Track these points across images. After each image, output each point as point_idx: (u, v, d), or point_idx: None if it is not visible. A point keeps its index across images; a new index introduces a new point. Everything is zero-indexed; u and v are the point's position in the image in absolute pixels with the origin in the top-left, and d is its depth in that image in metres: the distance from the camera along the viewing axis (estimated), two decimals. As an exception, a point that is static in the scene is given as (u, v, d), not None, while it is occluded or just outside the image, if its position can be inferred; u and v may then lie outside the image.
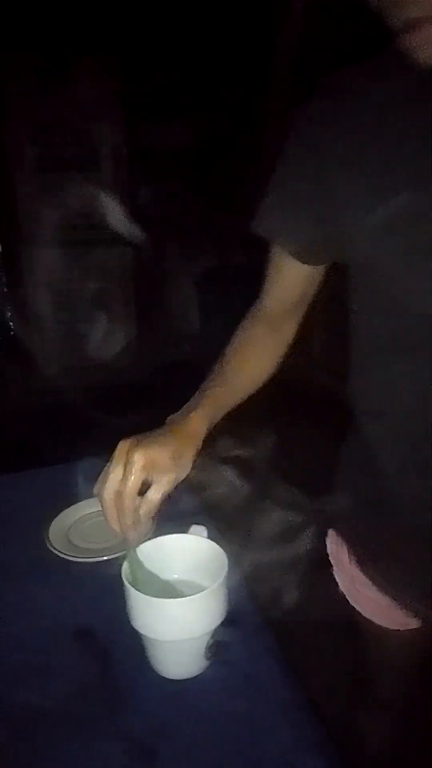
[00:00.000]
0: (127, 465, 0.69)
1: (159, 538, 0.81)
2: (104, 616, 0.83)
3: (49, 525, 1.03)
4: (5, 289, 3.47)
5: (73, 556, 0.95)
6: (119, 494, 0.69)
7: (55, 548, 0.97)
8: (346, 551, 0.94)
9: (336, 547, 0.97)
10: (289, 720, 0.69)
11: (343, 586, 0.97)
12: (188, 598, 0.70)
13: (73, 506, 1.08)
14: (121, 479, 0.69)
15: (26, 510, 1.09)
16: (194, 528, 0.83)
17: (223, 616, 0.73)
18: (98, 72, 3.16)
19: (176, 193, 3.48)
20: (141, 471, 0.69)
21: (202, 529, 0.83)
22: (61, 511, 1.06)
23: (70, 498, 1.09)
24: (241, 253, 3.80)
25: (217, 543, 0.79)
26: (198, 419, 0.78)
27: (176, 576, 0.82)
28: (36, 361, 3.65)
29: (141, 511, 0.71)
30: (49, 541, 0.99)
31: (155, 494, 0.71)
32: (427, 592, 0.83)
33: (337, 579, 0.98)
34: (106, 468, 0.71)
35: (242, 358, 0.87)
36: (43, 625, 0.83)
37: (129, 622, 0.73)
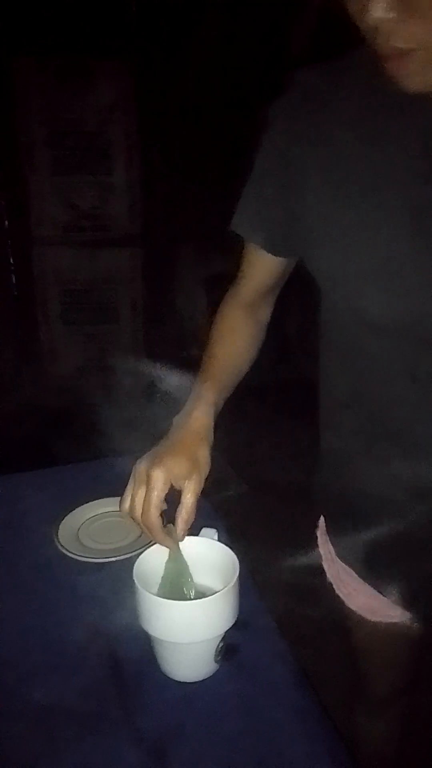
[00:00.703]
0: (148, 483, 0.72)
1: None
2: (114, 616, 0.83)
3: (59, 524, 1.03)
4: (15, 292, 3.48)
5: (83, 556, 0.95)
6: (146, 511, 0.72)
7: (64, 547, 0.97)
8: (332, 548, 0.96)
9: (324, 537, 0.98)
10: (300, 725, 0.69)
11: (330, 576, 0.99)
12: (199, 600, 0.70)
13: (82, 506, 1.08)
14: (145, 498, 0.72)
15: (37, 509, 1.09)
16: (205, 531, 0.83)
17: (234, 619, 0.73)
18: (112, 75, 3.17)
19: (187, 195, 3.48)
20: (163, 487, 0.72)
21: (212, 532, 0.83)
22: (70, 511, 1.07)
23: (79, 498, 1.09)
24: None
25: (228, 546, 0.79)
26: (202, 415, 0.79)
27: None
28: (46, 361, 3.66)
29: (182, 517, 0.73)
30: (59, 540, 0.99)
31: (188, 498, 0.73)
32: (403, 581, 0.85)
33: (325, 568, 1.00)
34: (127, 488, 0.75)
35: (229, 344, 0.91)
36: (55, 624, 0.84)
37: (138, 623, 0.73)
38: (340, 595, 0.97)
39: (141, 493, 0.73)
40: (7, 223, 3.32)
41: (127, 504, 0.75)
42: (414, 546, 0.80)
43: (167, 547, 0.76)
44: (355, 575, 0.92)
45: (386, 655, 1.02)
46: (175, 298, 3.76)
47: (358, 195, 0.67)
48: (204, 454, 0.76)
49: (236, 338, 0.91)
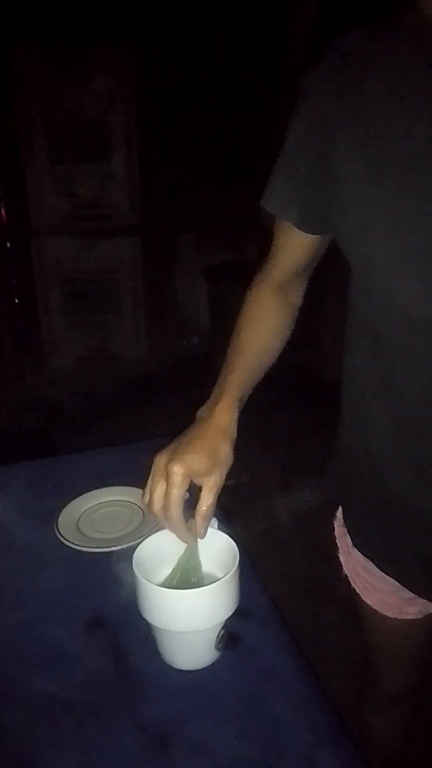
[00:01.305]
0: (168, 479, 0.71)
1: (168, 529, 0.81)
2: (114, 606, 0.83)
3: (59, 514, 1.03)
4: (14, 281, 3.47)
5: (83, 546, 0.95)
6: (166, 507, 0.71)
7: (64, 537, 0.97)
8: (347, 532, 0.94)
9: (341, 529, 0.97)
10: (302, 713, 0.69)
11: (346, 569, 0.98)
12: (199, 589, 0.69)
13: (83, 496, 1.07)
14: (165, 493, 0.71)
15: (37, 499, 1.09)
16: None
17: (235, 608, 0.72)
18: (111, 63, 3.14)
19: (188, 184, 3.46)
20: (182, 483, 0.71)
21: (213, 520, 0.82)
22: (71, 500, 1.06)
23: (80, 488, 1.09)
24: (252, 246, 3.78)
25: (228, 534, 0.78)
26: (225, 410, 0.77)
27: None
28: (47, 351, 3.65)
29: (201, 514, 0.72)
30: (58, 530, 0.99)
31: (208, 496, 0.72)
32: (422, 573, 0.83)
33: (342, 561, 0.98)
34: (148, 483, 0.74)
35: (258, 334, 0.86)
36: (55, 614, 0.83)
37: (139, 612, 0.73)
38: (356, 589, 0.96)
39: (161, 488, 0.72)
40: (4, 212, 3.30)
41: (147, 498, 0.74)
42: None
43: (186, 542, 0.76)
44: (373, 568, 0.89)
45: (399, 651, 1.01)
46: (175, 287, 3.75)
47: (398, 173, 0.63)
48: (225, 450, 0.74)
49: (265, 327, 0.87)
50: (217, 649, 0.74)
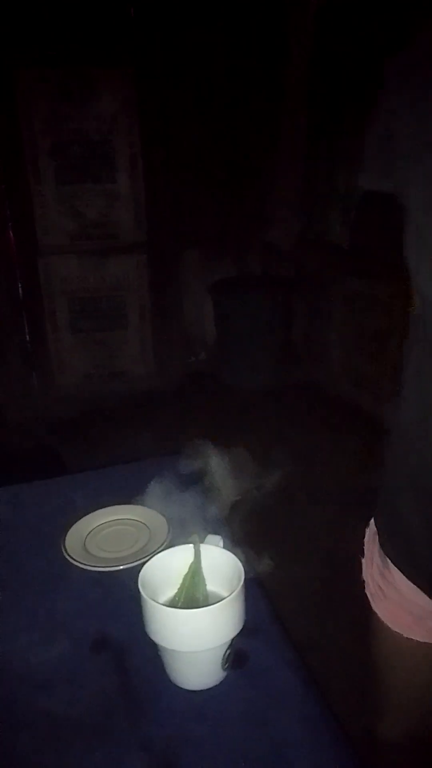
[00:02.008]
0: None
1: (175, 548, 0.81)
2: (121, 625, 0.83)
3: (66, 533, 1.03)
4: (22, 300, 3.50)
5: (89, 565, 0.95)
6: None
7: (71, 557, 0.97)
8: (378, 546, 0.92)
9: (370, 544, 0.95)
10: (311, 734, 0.68)
11: (365, 573, 0.96)
12: (205, 608, 0.69)
13: (90, 515, 1.08)
14: None
15: (45, 518, 1.09)
16: (210, 538, 0.83)
17: (241, 627, 0.72)
18: (113, 84, 3.20)
19: (192, 201, 3.49)
20: None
21: (218, 539, 0.82)
22: (78, 519, 1.07)
23: (87, 507, 1.09)
24: (256, 262, 3.80)
25: (233, 553, 0.78)
26: None
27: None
28: (55, 369, 3.68)
29: None
30: (66, 549, 0.99)
31: None
32: None
33: (363, 564, 0.96)
34: None
35: None
36: (62, 634, 0.83)
37: (145, 631, 0.73)
38: (368, 595, 0.94)
39: None
40: (12, 233, 3.35)
41: None
42: None
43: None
44: (394, 577, 0.88)
45: (401, 677, 0.98)
46: (181, 303, 3.77)
47: None
48: None
49: None
50: (224, 668, 0.73)
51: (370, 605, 0.95)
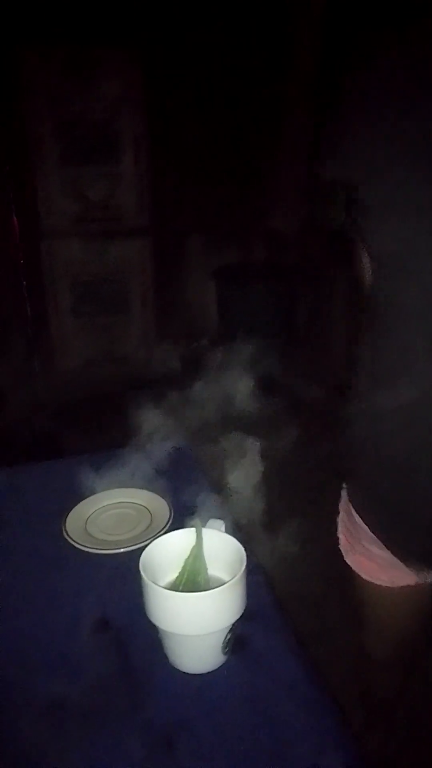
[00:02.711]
0: None
1: (176, 532, 0.80)
2: (121, 608, 0.83)
3: (67, 516, 1.03)
4: (24, 283, 3.48)
5: (90, 547, 0.95)
6: None
7: (72, 539, 0.97)
8: (354, 510, 0.97)
9: (347, 506, 1.00)
10: (310, 717, 0.68)
11: (342, 542, 1.03)
12: (206, 592, 0.69)
13: (91, 497, 1.08)
14: None
15: (46, 501, 1.09)
16: (212, 522, 0.82)
17: (242, 611, 0.72)
18: (119, 65, 3.15)
19: (196, 185, 3.46)
20: None
21: (219, 523, 0.82)
22: (79, 502, 1.06)
23: (88, 489, 1.09)
24: (260, 248, 3.77)
25: (235, 537, 0.78)
26: None
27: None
28: (57, 353, 3.66)
29: None
30: (67, 531, 0.99)
31: None
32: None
33: (340, 535, 1.03)
34: None
35: None
36: (62, 616, 0.83)
37: (146, 614, 0.72)
38: (341, 550, 1.01)
39: None
40: (15, 215, 3.32)
41: None
42: None
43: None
44: (359, 533, 0.95)
45: (402, 620, 1.04)
46: (184, 288, 3.75)
47: None
48: None
49: None
50: (224, 652, 0.73)
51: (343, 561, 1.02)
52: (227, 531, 0.80)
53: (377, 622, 1.08)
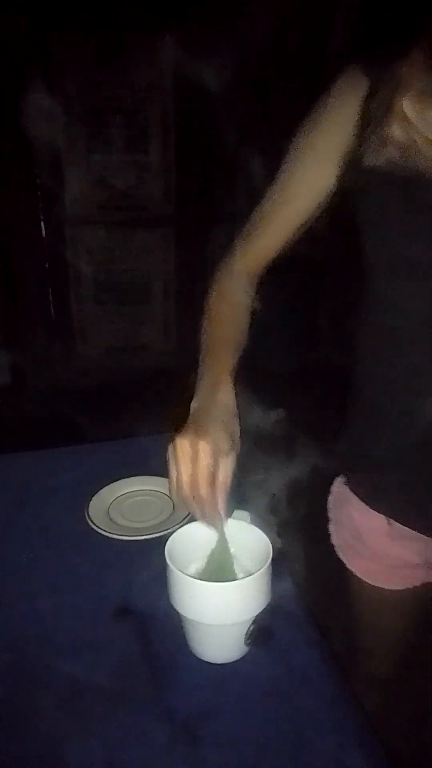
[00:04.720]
0: (197, 457, 0.68)
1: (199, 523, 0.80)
2: (143, 594, 0.83)
3: (90, 501, 1.03)
4: (48, 268, 3.49)
5: (114, 534, 0.95)
6: (198, 487, 0.69)
7: (95, 524, 0.97)
8: (352, 501, 0.95)
9: (340, 497, 0.98)
10: (332, 711, 0.68)
11: (335, 539, 1.00)
12: (231, 582, 0.69)
13: (113, 484, 1.08)
14: (192, 472, 0.68)
15: (68, 486, 1.10)
16: (237, 513, 0.82)
17: (266, 603, 0.72)
18: (149, 51, 3.13)
19: (222, 176, 3.44)
20: (212, 461, 0.68)
21: (245, 515, 0.81)
22: (102, 488, 1.07)
23: (110, 476, 1.09)
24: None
25: (260, 528, 0.77)
26: (228, 394, 0.77)
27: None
28: (78, 340, 3.68)
29: (219, 497, 0.70)
30: (90, 516, 0.99)
31: (225, 476, 0.70)
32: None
33: (331, 531, 1.00)
34: (172, 467, 0.70)
35: (233, 324, 0.90)
36: (85, 600, 0.84)
37: (168, 602, 0.72)
38: (342, 557, 0.98)
39: (187, 470, 0.68)
40: (41, 202, 3.32)
41: (173, 484, 0.70)
42: None
43: (216, 530, 0.74)
44: (366, 534, 0.93)
45: (384, 627, 1.02)
46: (207, 278, 3.74)
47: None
48: (238, 432, 0.74)
49: (241, 316, 0.91)
50: (246, 644, 0.73)
51: (346, 570, 0.99)
52: (253, 522, 0.80)
53: (392, 629, 1.04)
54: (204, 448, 0.68)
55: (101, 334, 3.68)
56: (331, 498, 1.01)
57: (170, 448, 0.71)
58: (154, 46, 3.13)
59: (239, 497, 0.95)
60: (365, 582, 0.97)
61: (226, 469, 0.70)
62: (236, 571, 0.77)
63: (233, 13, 3.12)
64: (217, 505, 0.70)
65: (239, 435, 0.74)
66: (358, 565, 0.97)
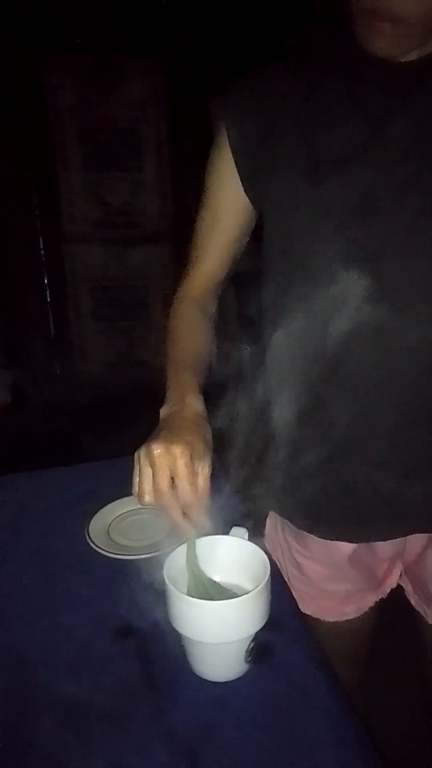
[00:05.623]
0: (174, 458, 0.68)
1: (200, 540, 0.80)
2: (143, 613, 0.82)
3: (90, 521, 1.03)
4: (46, 285, 3.51)
5: (113, 553, 0.96)
6: (162, 491, 0.69)
7: (95, 543, 0.98)
8: (282, 530, 0.97)
9: (274, 530, 1.00)
10: (333, 729, 0.68)
11: (287, 578, 1.00)
12: (230, 600, 0.69)
13: (113, 503, 1.08)
14: (169, 474, 0.68)
15: (68, 505, 1.10)
16: (235, 530, 0.82)
17: (266, 620, 0.72)
18: (142, 71, 3.18)
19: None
20: (188, 457, 0.68)
21: (243, 531, 0.82)
22: (101, 507, 1.07)
23: (110, 495, 1.09)
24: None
25: (258, 545, 0.78)
26: (196, 402, 0.77)
27: (217, 578, 0.81)
28: (77, 357, 3.69)
29: (200, 499, 0.70)
30: (89, 536, 0.99)
31: (204, 478, 0.70)
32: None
33: (280, 565, 1.01)
34: (136, 472, 0.71)
35: (194, 341, 0.92)
36: (85, 621, 0.84)
37: (168, 621, 0.73)
38: (296, 598, 0.96)
39: (166, 473, 0.68)
40: (38, 220, 3.35)
41: (135, 488, 0.71)
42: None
43: (187, 536, 0.74)
44: (311, 569, 0.94)
45: (345, 652, 1.01)
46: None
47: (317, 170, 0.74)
48: (210, 438, 0.73)
49: (199, 336, 0.93)
50: (247, 661, 0.73)
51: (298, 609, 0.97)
52: (250, 539, 0.80)
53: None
54: (180, 448, 0.67)
55: (100, 350, 3.69)
56: (267, 538, 1.02)
57: (141, 452, 0.71)
58: (148, 65, 3.18)
59: (237, 513, 0.96)
60: (323, 620, 0.98)
61: (204, 471, 0.69)
62: (216, 584, 0.77)
63: (225, 32, 3.17)
64: (200, 507, 0.70)
65: (210, 440, 0.73)
66: (311, 605, 0.98)
